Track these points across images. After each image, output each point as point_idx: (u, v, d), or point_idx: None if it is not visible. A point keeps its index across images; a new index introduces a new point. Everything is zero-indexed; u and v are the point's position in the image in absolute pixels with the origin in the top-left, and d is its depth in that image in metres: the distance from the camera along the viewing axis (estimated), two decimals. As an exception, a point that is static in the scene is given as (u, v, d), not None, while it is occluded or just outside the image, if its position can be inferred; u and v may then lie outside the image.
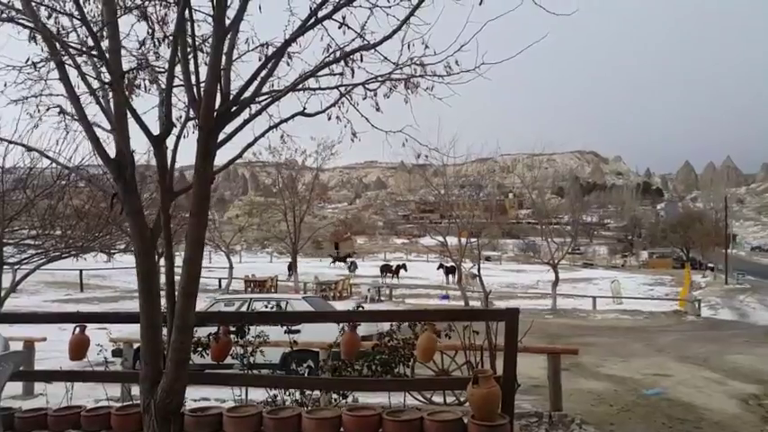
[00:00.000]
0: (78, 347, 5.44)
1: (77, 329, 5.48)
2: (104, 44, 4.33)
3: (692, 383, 11.16)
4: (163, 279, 4.54)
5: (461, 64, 4.77)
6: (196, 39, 4.61)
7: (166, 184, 4.17)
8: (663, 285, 46.92)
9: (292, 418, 4.80)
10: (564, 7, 4.92)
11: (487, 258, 65.67)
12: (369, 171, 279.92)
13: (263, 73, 4.16)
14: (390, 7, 4.40)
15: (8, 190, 9.00)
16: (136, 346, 8.76)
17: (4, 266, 8.94)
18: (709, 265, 63.68)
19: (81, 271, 31.28)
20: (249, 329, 6.07)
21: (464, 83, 4.90)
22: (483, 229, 36.34)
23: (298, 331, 9.22)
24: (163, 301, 4.44)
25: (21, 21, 4.12)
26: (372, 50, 4.59)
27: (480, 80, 5.00)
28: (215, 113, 3.89)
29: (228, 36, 4.05)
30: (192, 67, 4.10)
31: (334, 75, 4.57)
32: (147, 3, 4.64)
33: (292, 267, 40.99)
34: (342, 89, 4.79)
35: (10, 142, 6.76)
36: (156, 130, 4.30)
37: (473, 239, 30.40)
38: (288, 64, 4.80)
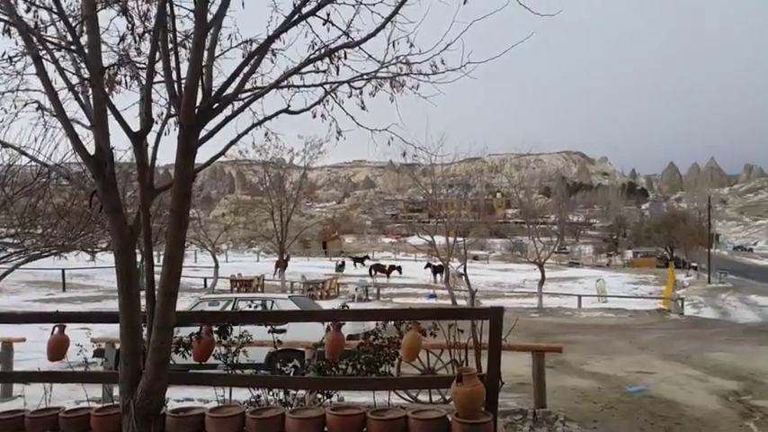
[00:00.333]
0: (57, 348, 5.35)
1: (56, 329, 5.39)
2: (84, 39, 4.27)
3: (675, 381, 11.26)
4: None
5: (447, 63, 4.77)
6: (179, 35, 4.55)
7: (146, 181, 4.12)
8: (647, 284, 47.35)
9: (275, 418, 4.76)
10: (549, 7, 4.93)
11: (475, 257, 65.83)
12: (357, 170, 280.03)
13: (246, 69, 4.12)
14: (375, 5, 4.38)
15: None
16: (118, 346, 8.67)
17: (-17, 265, 8.81)
18: (693, 264, 64.30)
19: (63, 270, 30.97)
20: (232, 329, 6.01)
21: (450, 82, 4.91)
22: (471, 228, 36.44)
23: (283, 331, 9.18)
24: (143, 301, 4.38)
25: (-5, 13, 4.05)
26: (357, 48, 4.57)
27: (468, 81, 5.01)
28: (196, 110, 3.84)
29: (210, 32, 4.00)
30: (173, 63, 4.04)
31: (319, 72, 4.54)
32: (127, -3, 4.57)
33: (281, 264, 40.78)
34: (327, 87, 4.76)
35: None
36: (136, 127, 4.25)
37: (460, 239, 30.45)
38: (272, 61, 4.76)
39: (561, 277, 51.53)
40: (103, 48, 4.71)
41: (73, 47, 4.02)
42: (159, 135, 4.37)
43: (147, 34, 4.49)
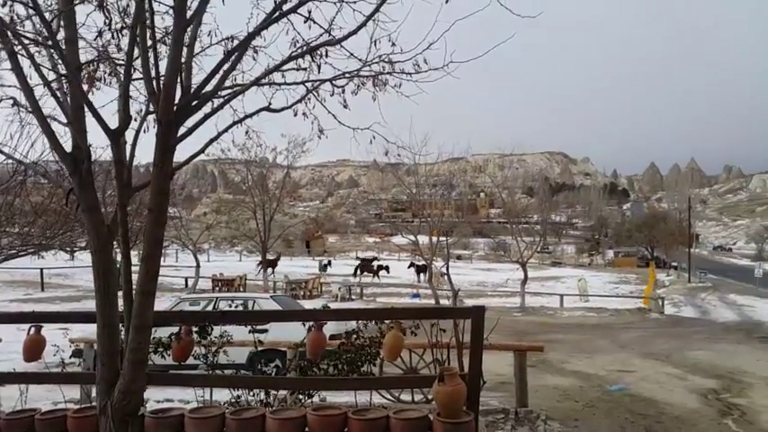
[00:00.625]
0: (33, 348, 5.25)
1: (32, 330, 5.30)
2: (61, 35, 4.19)
3: (655, 379, 11.37)
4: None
5: (430, 62, 4.77)
6: (158, 31, 4.50)
7: (124, 179, 4.06)
8: (628, 283, 47.79)
9: (256, 418, 4.72)
10: (533, 9, 4.94)
11: (459, 257, 65.94)
12: (341, 169, 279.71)
13: (226, 66, 4.07)
14: (356, 2, 4.36)
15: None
16: (96, 346, 8.55)
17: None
18: (673, 263, 65.04)
19: (42, 270, 30.58)
20: (212, 329, 5.95)
21: (432, 81, 4.91)
22: (454, 228, 36.52)
23: (265, 330, 9.12)
24: (121, 300, 4.32)
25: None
26: (339, 47, 4.55)
27: (452, 81, 5.01)
28: (175, 107, 3.79)
29: (190, 28, 3.95)
30: (152, 60, 3.99)
31: (300, 70, 4.50)
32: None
33: (271, 263, 40.49)
34: (308, 85, 4.73)
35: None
36: (115, 124, 4.18)
37: (443, 238, 30.50)
38: (254, 59, 4.72)
39: (544, 277, 51.84)
40: (83, 44, 4.64)
41: (49, 42, 3.95)
42: (138, 132, 4.31)
43: (125, 30, 4.42)
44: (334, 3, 4.30)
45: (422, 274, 41.43)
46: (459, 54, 4.67)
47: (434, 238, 29.83)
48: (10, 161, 7.56)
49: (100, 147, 6.98)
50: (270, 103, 4.51)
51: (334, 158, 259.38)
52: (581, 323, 24.38)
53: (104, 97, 4.77)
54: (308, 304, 20.12)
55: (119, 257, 6.01)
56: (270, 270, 43.74)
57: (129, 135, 4.38)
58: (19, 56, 4.05)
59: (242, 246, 57.47)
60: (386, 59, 4.76)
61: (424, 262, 33.58)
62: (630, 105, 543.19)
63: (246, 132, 5.17)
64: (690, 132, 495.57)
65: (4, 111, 4.83)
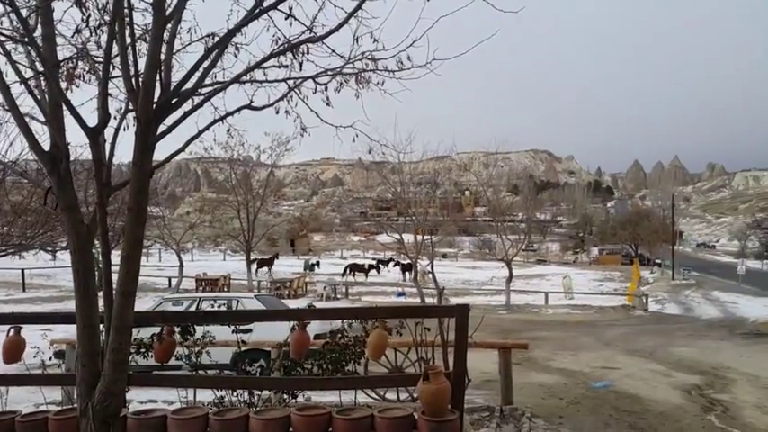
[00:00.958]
0: (12, 350, 5.17)
1: (12, 331, 5.22)
2: (38, 31, 4.12)
3: (639, 376, 11.45)
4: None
5: (413, 60, 4.75)
6: (138, 28, 4.44)
7: (103, 178, 4.00)
8: (612, 281, 48.09)
9: (239, 419, 4.68)
10: (516, 6, 4.94)
11: (444, 255, 65.92)
12: (326, 168, 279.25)
13: (206, 63, 4.02)
14: (338, -3, 4.33)
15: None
16: (79, 347, 8.45)
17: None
18: (657, 261, 65.50)
19: (23, 270, 30.24)
20: (195, 329, 5.89)
21: (416, 78, 4.89)
22: (439, 226, 36.53)
23: (249, 330, 9.06)
24: (101, 301, 4.26)
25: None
26: (321, 44, 4.51)
27: (437, 79, 4.99)
28: (154, 105, 3.74)
29: (170, 25, 3.90)
30: (131, 57, 3.93)
31: (282, 67, 4.47)
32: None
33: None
34: (290, 82, 4.69)
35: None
36: (94, 122, 4.12)
37: (427, 237, 30.51)
38: (235, 56, 4.67)
39: (529, 274, 52.07)
40: (62, 41, 4.57)
41: (26, 39, 3.89)
42: (117, 131, 4.26)
43: (103, 26, 4.36)
44: (317, 0, 4.27)
45: (407, 273, 41.35)
46: (444, 53, 4.67)
47: (420, 237, 29.85)
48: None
49: (79, 145, 6.89)
50: (251, 101, 4.48)
51: (318, 157, 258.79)
52: (566, 320, 24.53)
53: (83, 95, 4.71)
54: (292, 304, 20.05)
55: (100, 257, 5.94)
56: (267, 269, 43.63)
57: (108, 134, 4.33)
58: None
59: (226, 245, 57.14)
60: (369, 56, 4.74)
61: (409, 260, 33.55)
62: (614, 104, 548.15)
63: (228, 131, 5.13)
64: (673, 130, 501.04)
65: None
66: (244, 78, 4.31)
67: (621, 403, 9.12)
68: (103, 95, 3.96)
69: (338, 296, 32.26)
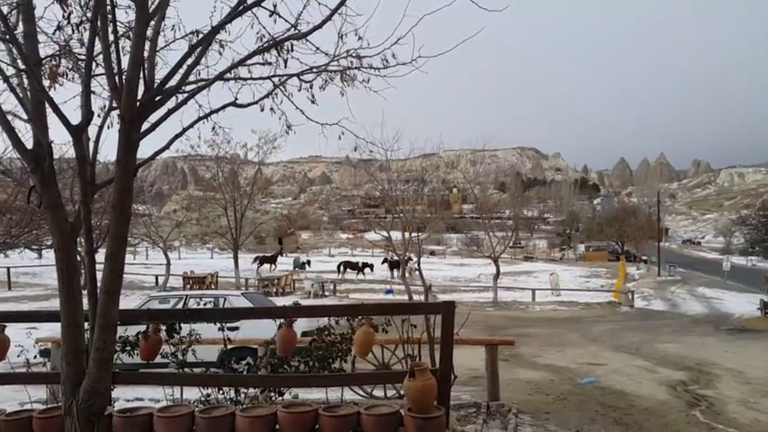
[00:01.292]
0: (-4, 349, 5.14)
1: (-5, 329, 5.18)
2: (20, 29, 4.09)
3: (625, 372, 11.53)
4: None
5: (399, 57, 4.76)
6: (122, 26, 4.42)
7: (87, 176, 3.98)
8: (599, 277, 48.38)
9: (225, 416, 4.68)
10: (499, 4, 4.96)
11: (432, 253, 65.93)
12: (313, 165, 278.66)
13: (190, 61, 4.01)
14: (321, -7, 4.32)
15: None
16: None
17: None
18: (643, 257, 65.97)
19: (9, 268, 30.03)
20: (181, 327, 5.88)
21: (401, 76, 4.91)
22: (427, 223, 36.56)
23: (236, 328, 9.05)
24: (85, 299, 4.24)
25: None
26: (305, 41, 4.51)
27: (424, 78, 5.01)
28: (138, 103, 3.72)
29: (153, 22, 3.88)
30: (114, 54, 3.91)
31: (266, 65, 4.46)
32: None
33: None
34: (275, 80, 4.69)
35: None
36: (78, 120, 4.10)
37: (415, 234, 30.54)
38: (220, 53, 4.67)
39: (516, 271, 52.27)
40: (45, 38, 4.54)
41: (7, 37, 3.85)
42: (101, 128, 4.24)
43: (85, 24, 4.33)
44: (300, -3, 4.27)
45: (395, 270, 41.32)
46: (430, 51, 4.69)
47: (408, 234, 29.86)
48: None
49: (63, 143, 6.84)
50: (236, 99, 4.47)
51: (306, 154, 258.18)
52: (552, 317, 24.65)
53: (66, 93, 4.68)
54: (280, 301, 20.03)
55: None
56: (270, 266, 43.40)
57: (92, 131, 4.31)
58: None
59: (213, 243, 56.91)
60: (354, 54, 4.74)
61: (397, 258, 33.56)
62: (601, 101, 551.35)
63: (213, 128, 5.11)
64: (659, 128, 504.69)
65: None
66: (228, 76, 4.30)
67: (607, 399, 9.18)
68: (86, 93, 3.94)
69: (326, 293, 32.23)
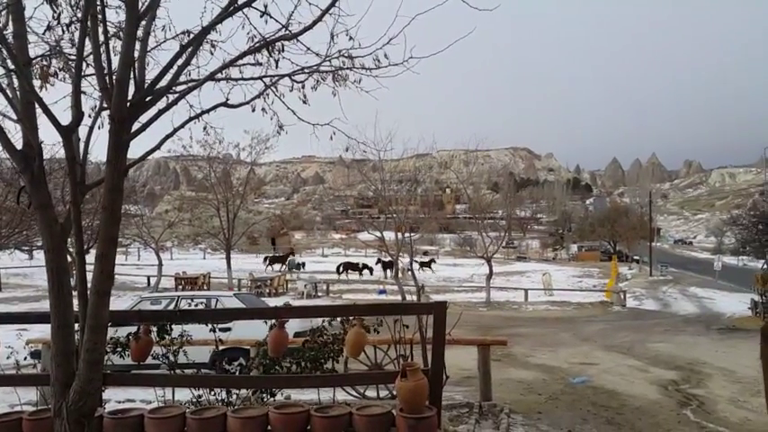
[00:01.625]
0: (-15, 350, 5.11)
1: (-16, 331, 5.16)
2: (9, 29, 4.07)
3: (617, 371, 11.57)
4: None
5: (391, 58, 4.76)
6: (112, 26, 4.40)
7: (77, 176, 3.96)
8: (591, 277, 48.48)
9: (217, 418, 4.67)
10: (489, 3, 4.96)
11: (425, 253, 65.83)
12: (306, 166, 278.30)
13: (180, 61, 4.00)
14: (312, -6, 4.32)
15: None
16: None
17: None
18: (635, 257, 66.14)
19: (-1, 270, 29.86)
20: (172, 328, 5.85)
21: (393, 76, 4.91)
22: (420, 223, 36.59)
23: (228, 329, 9.02)
24: (75, 300, 4.22)
25: None
26: (296, 41, 4.51)
27: (417, 78, 5.02)
28: (128, 103, 3.71)
29: (143, 22, 3.87)
30: (104, 55, 3.90)
31: (257, 65, 4.45)
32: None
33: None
34: (267, 80, 4.68)
35: None
36: (68, 121, 4.08)
37: (408, 234, 30.54)
38: (211, 53, 4.65)
39: (509, 272, 52.33)
40: (35, 38, 4.52)
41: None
42: (91, 129, 4.22)
43: (75, 24, 4.31)
44: (292, -3, 4.27)
45: (388, 270, 41.26)
46: (422, 51, 4.69)
47: (401, 234, 29.86)
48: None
49: (53, 144, 6.80)
50: (227, 99, 4.46)
51: (299, 155, 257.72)
52: (545, 317, 24.71)
53: (56, 93, 4.66)
54: (272, 302, 20.00)
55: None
56: (281, 266, 43.19)
57: (83, 132, 4.29)
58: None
59: (206, 243, 56.73)
60: (345, 54, 4.74)
61: (390, 258, 33.55)
62: (593, 102, 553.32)
63: (205, 128, 5.09)
64: (651, 128, 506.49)
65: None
66: (219, 76, 4.30)
67: (599, 398, 9.21)
68: (77, 93, 3.92)
69: (319, 294, 32.19)
